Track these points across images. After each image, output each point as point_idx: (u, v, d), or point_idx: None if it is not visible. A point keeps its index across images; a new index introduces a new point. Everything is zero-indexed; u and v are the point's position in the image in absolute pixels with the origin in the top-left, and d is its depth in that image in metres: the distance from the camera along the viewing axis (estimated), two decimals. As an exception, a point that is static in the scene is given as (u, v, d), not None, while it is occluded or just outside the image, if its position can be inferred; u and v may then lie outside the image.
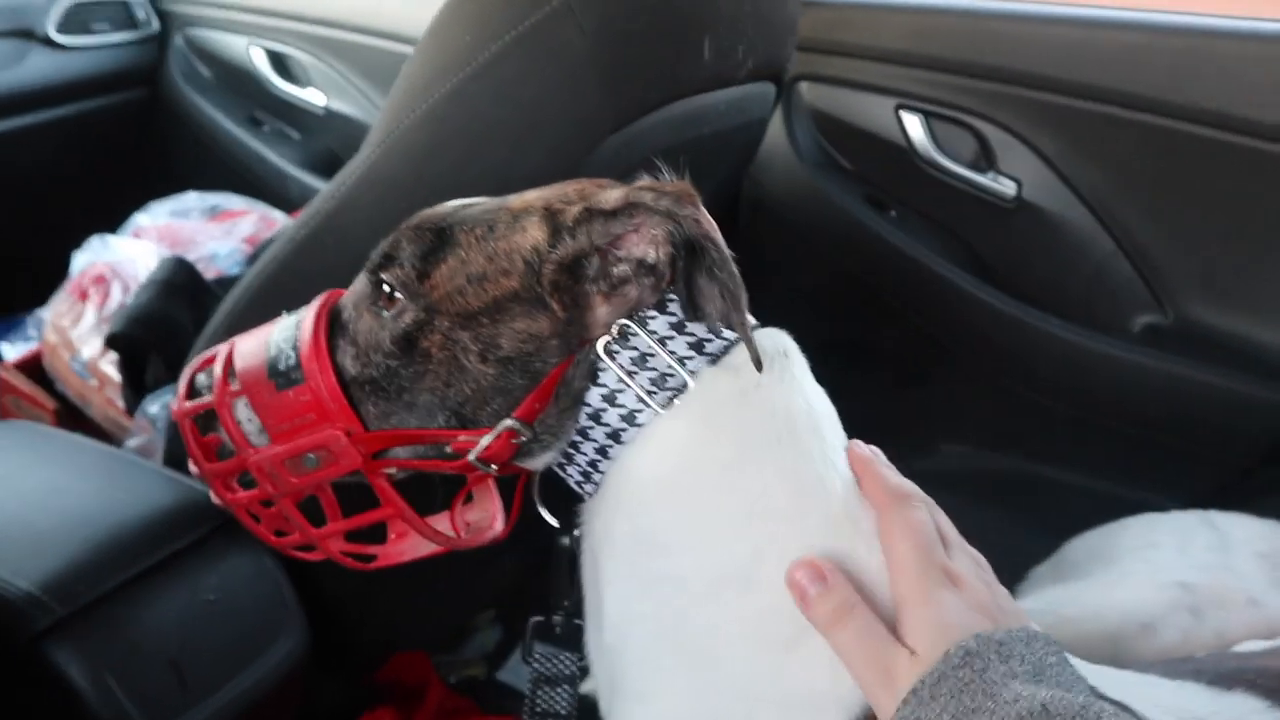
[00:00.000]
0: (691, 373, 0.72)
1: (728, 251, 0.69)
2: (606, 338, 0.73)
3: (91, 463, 1.21)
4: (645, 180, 0.74)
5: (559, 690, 0.87)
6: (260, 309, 1.10)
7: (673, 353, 0.72)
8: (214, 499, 0.85)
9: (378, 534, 0.86)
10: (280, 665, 1.10)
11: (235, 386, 0.79)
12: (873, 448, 0.78)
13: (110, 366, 1.60)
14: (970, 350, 1.64)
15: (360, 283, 0.80)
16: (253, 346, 0.79)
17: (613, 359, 0.72)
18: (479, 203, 0.78)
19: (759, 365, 0.70)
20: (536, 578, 0.90)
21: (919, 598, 0.66)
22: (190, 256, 1.77)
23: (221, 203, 2.02)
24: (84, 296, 1.72)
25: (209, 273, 1.76)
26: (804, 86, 1.75)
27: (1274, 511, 1.27)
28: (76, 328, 1.69)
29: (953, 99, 1.55)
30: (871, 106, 1.64)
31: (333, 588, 1.18)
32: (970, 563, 0.72)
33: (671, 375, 0.72)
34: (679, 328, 0.73)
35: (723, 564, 0.71)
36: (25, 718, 1.01)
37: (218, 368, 0.80)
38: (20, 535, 1.03)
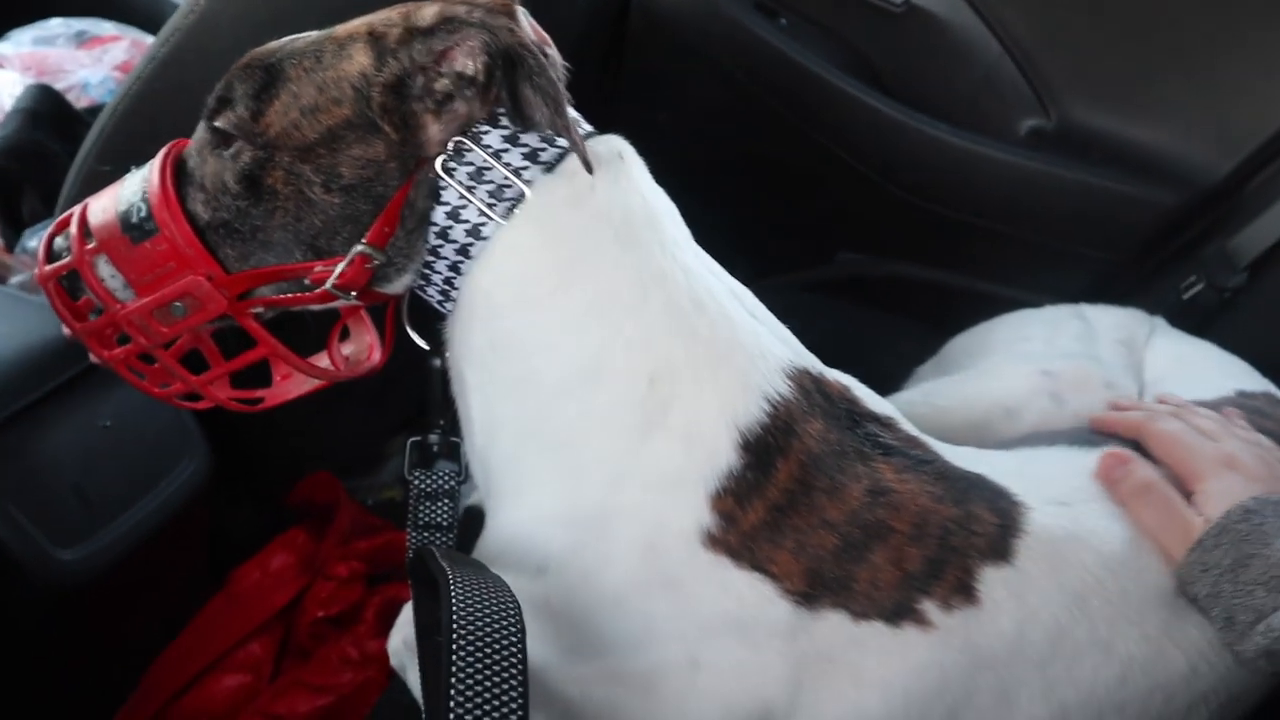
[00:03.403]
0: (528, 182, 0.74)
1: (548, 57, 0.71)
2: (443, 156, 0.74)
3: (-28, 301, 1.19)
4: None
5: (439, 504, 0.91)
6: (129, 130, 1.07)
7: (508, 165, 0.74)
8: (93, 358, 0.85)
9: (264, 379, 0.89)
10: (184, 487, 1.13)
11: (93, 245, 0.79)
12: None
13: (-16, 204, 1.54)
14: (862, 158, 1.66)
15: (201, 129, 0.80)
16: (105, 204, 0.80)
17: (451, 176, 0.74)
18: (306, 36, 0.78)
19: (589, 168, 0.73)
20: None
21: (1202, 480, 0.80)
22: (59, 86, 1.68)
23: (89, 28, 1.89)
24: (-51, 132, 1.63)
25: (80, 102, 1.68)
26: (692, -113, 1.69)
27: (1146, 304, 1.34)
28: (-56, 165, 1.61)
29: (842, -102, 1.52)
30: (760, -93, 1.60)
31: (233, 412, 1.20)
32: (1241, 443, 0.85)
33: (509, 186, 0.74)
34: (513, 140, 0.75)
35: (572, 359, 0.75)
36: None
37: (73, 228, 0.80)
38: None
